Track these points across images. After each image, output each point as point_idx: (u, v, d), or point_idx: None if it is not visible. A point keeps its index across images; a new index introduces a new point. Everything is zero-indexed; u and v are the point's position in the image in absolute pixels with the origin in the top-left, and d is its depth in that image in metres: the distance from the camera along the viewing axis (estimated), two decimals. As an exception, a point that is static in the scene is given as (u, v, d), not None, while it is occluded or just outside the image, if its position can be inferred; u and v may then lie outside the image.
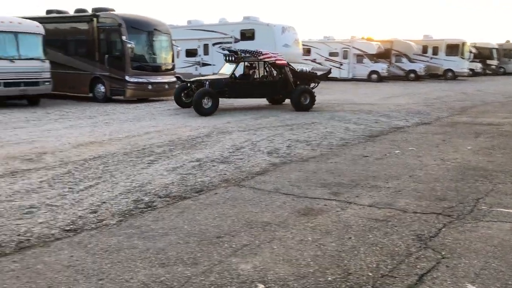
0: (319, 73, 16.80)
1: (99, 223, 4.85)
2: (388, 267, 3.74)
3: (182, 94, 14.95)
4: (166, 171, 7.07)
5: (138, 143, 9.33)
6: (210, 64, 24.60)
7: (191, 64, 25.09)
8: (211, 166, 7.37)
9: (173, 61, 19.22)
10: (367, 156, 8.20)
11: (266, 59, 14.97)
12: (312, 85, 15.82)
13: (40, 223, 4.83)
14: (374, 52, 32.72)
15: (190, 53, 24.83)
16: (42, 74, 15.44)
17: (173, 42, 19.16)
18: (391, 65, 34.06)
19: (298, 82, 15.30)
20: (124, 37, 16.78)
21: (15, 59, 14.86)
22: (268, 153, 8.42)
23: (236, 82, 14.66)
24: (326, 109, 15.41)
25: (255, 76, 15.40)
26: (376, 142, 9.73)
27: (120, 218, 5.01)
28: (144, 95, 17.91)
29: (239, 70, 15.37)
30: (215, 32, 24.56)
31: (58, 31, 18.49)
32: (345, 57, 33.08)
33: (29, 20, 16.08)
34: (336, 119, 13.01)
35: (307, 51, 32.17)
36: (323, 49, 33.65)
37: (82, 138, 9.81)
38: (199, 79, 14.93)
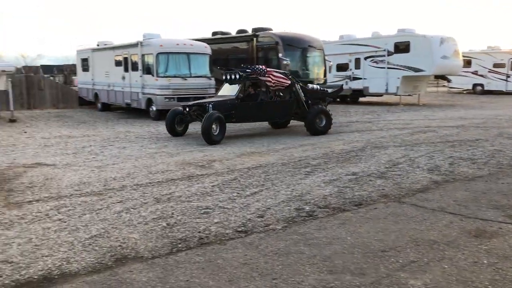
0: (329, 90, 14.68)
1: (266, 227, 5.22)
2: None
3: (176, 120, 12.58)
4: (323, 183, 7.25)
5: (294, 154, 9.73)
6: (361, 78, 24.44)
7: (342, 78, 25.21)
8: (368, 181, 7.34)
9: (325, 76, 19.58)
10: (547, 178, 7.31)
11: (263, 79, 12.29)
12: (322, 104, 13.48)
13: (216, 223, 5.38)
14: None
15: (341, 67, 24.99)
16: (208, 90, 17.10)
17: (326, 57, 19.54)
18: None
19: (309, 102, 13.03)
20: (280, 54, 17.68)
21: (187, 77, 16.73)
22: (429, 170, 8.06)
23: (244, 104, 12.31)
24: (492, 125, 14.09)
25: (263, 97, 12.74)
26: (557, 163, 8.60)
27: (284, 224, 5.31)
28: (296, 109, 18.53)
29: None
30: (367, 46, 24.31)
31: (221, 50, 20.26)
32: (513, 68, 29.78)
33: (199, 42, 17.98)
34: (504, 136, 11.82)
35: (467, 63, 29.78)
36: (486, 60, 30.81)
37: (244, 148, 10.60)
38: (199, 102, 12.42)
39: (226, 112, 11.83)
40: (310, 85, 13.81)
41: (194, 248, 4.62)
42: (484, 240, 4.61)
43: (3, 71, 16.78)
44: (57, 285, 3.85)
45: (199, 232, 5.08)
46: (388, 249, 4.45)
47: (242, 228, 5.20)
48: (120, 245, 4.70)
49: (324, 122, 12.92)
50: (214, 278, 3.92)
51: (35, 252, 4.54)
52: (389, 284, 3.67)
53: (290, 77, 12.87)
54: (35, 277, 4.01)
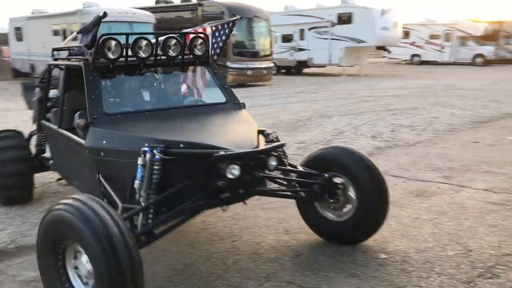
0: None
1: (222, 195, 5.35)
2: (511, 247, 3.76)
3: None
4: (274, 151, 7.46)
5: (244, 125, 9.86)
6: (305, 49, 24.77)
7: (287, 50, 25.45)
8: (316, 148, 7.63)
9: (271, 47, 19.70)
10: (478, 142, 7.94)
11: None
12: None
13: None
14: (480, 34, 30.59)
15: (286, 38, 25.17)
16: (153, 60, 16.72)
17: (271, 28, 19.63)
18: (500, 47, 31.56)
19: None
20: (226, 24, 17.51)
21: (130, 47, 16.24)
22: (372, 137, 8.49)
23: None
24: (429, 95, 14.90)
25: None
26: (486, 128, 9.32)
27: (239, 191, 5.47)
28: (243, 81, 18.62)
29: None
30: (311, 16, 24.61)
31: (164, 20, 19.72)
32: (447, 39, 31.30)
33: (141, 10, 17.46)
34: (440, 104, 12.58)
35: (406, 34, 30.90)
36: (423, 32, 32.13)
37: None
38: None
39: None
40: None
41: (152, 217, 4.67)
42: (424, 199, 5.01)
43: None
44: (13, 258, 3.82)
45: (156, 201, 5.12)
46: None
47: (198, 196, 5.30)
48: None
49: None
50: (176, 243, 4.02)
51: (-13, 227, 4.43)
52: (342, 241, 3.95)
53: None
54: (-10, 251, 3.94)
